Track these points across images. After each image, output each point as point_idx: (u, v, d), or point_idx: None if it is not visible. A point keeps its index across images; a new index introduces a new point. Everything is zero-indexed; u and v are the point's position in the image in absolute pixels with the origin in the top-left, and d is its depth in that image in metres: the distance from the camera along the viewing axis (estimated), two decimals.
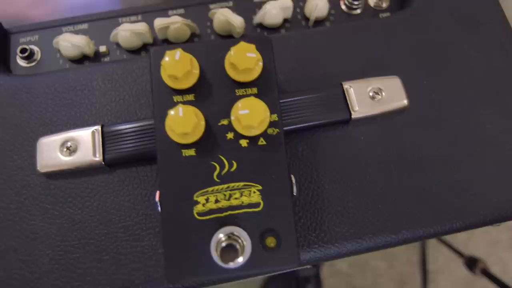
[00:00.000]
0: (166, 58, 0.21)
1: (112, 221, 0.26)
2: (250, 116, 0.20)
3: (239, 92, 0.22)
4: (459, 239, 0.86)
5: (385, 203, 0.26)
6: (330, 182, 0.27)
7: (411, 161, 0.27)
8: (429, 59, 0.30)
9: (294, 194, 0.23)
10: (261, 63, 0.22)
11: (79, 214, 0.26)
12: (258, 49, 0.22)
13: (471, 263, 0.62)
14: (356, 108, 0.27)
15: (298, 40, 0.30)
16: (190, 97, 0.22)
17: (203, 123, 0.21)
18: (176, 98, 0.22)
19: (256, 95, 0.22)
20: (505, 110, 0.29)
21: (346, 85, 0.27)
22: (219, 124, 0.22)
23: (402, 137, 0.28)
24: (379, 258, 0.88)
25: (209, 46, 0.23)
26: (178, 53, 0.21)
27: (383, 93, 0.27)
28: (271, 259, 0.21)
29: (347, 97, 0.27)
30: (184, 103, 0.22)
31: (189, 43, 0.30)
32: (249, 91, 0.22)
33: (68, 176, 0.27)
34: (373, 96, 0.27)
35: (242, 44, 0.21)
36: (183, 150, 0.22)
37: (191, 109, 0.21)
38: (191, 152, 0.22)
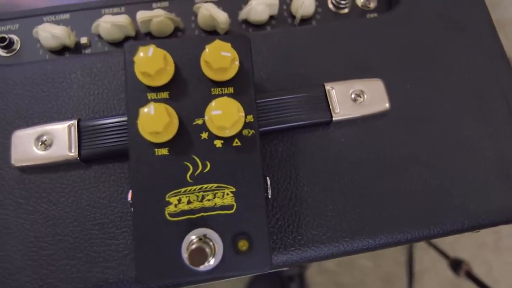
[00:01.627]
0: (139, 54, 0.20)
1: (87, 218, 0.25)
2: (223, 117, 0.20)
3: (215, 91, 0.22)
4: (445, 241, 0.87)
5: (363, 207, 0.26)
6: (309, 184, 0.26)
7: (391, 165, 0.27)
8: (414, 61, 0.29)
9: (269, 197, 0.22)
10: (237, 63, 0.21)
11: (53, 210, 0.26)
12: (235, 48, 0.21)
13: (456, 265, 0.62)
14: (338, 110, 0.26)
15: (282, 37, 0.29)
16: (165, 94, 0.22)
17: (176, 121, 0.21)
18: (150, 95, 0.21)
19: (232, 95, 0.22)
20: (486, 116, 0.28)
21: (328, 86, 0.27)
22: (194, 123, 0.22)
23: (383, 140, 0.27)
24: (367, 257, 0.89)
25: (184, 43, 0.22)
26: (151, 49, 0.20)
27: (365, 96, 0.27)
28: (242, 262, 0.21)
29: (328, 99, 0.27)
30: (158, 100, 0.21)
31: (163, 39, 0.30)
32: (225, 90, 0.22)
33: (43, 171, 0.26)
34: (355, 98, 0.27)
35: (217, 43, 0.20)
36: (156, 149, 0.21)
37: (163, 107, 0.20)
38: (164, 151, 0.21)
